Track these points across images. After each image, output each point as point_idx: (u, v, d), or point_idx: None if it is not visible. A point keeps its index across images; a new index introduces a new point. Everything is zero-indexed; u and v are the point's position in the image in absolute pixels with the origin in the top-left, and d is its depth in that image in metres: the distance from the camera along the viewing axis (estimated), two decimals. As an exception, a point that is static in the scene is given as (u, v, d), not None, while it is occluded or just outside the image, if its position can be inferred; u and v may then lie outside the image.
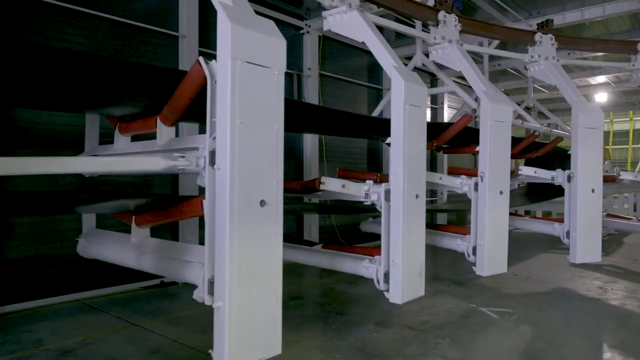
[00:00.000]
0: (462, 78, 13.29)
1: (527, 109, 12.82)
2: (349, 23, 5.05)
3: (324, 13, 5.20)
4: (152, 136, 3.86)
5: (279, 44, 3.14)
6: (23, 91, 3.63)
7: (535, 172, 6.81)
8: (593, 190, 6.38)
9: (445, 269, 8.14)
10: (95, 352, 4.48)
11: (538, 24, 7.58)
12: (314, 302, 6.34)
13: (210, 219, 2.99)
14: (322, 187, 4.42)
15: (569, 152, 6.71)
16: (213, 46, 7.86)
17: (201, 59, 3.04)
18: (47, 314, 5.58)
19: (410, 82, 4.55)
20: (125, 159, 3.73)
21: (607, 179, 7.53)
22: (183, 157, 3.07)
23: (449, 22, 6.14)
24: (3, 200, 4.64)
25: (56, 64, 3.22)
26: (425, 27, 8.01)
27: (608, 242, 11.16)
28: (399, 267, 4.44)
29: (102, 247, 4.56)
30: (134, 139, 4.36)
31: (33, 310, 5.67)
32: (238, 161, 2.91)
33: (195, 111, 3.44)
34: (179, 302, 6.28)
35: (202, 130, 3.23)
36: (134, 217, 4.10)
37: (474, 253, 5.75)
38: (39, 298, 5.86)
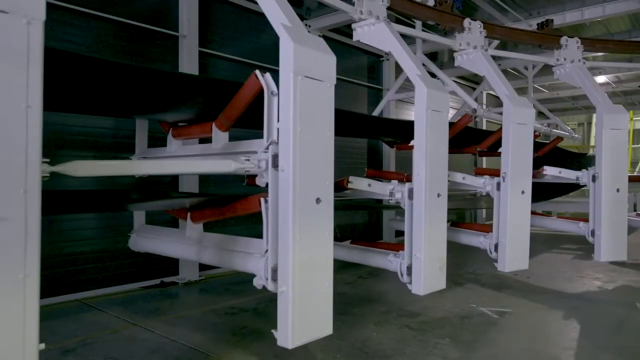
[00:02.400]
0: (462, 78, 13.40)
1: (527, 109, 12.81)
2: (377, 34, 5.32)
3: (353, 25, 5.48)
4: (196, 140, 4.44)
5: (330, 60, 3.51)
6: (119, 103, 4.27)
7: (560, 172, 6.89)
8: (618, 190, 6.47)
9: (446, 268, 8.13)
10: (95, 352, 4.49)
11: (538, 24, 7.58)
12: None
13: (274, 215, 3.30)
14: (350, 186, 4.76)
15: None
16: (213, 46, 7.84)
17: (257, 72, 3.35)
18: (47, 314, 5.58)
19: (432, 89, 4.79)
20: (202, 161, 4.02)
21: (635, 179, 7.54)
22: (248, 160, 3.35)
23: (474, 29, 6.34)
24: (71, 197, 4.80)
25: (155, 83, 3.79)
26: (426, 28, 8.04)
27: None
28: (420, 261, 4.68)
29: (155, 241, 4.79)
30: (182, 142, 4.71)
31: (33, 310, 5.67)
32: (299, 164, 3.24)
33: (246, 118, 3.82)
34: (179, 302, 6.29)
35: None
36: (189, 213, 4.28)
37: (496, 250, 5.87)
38: (39, 298, 5.85)
